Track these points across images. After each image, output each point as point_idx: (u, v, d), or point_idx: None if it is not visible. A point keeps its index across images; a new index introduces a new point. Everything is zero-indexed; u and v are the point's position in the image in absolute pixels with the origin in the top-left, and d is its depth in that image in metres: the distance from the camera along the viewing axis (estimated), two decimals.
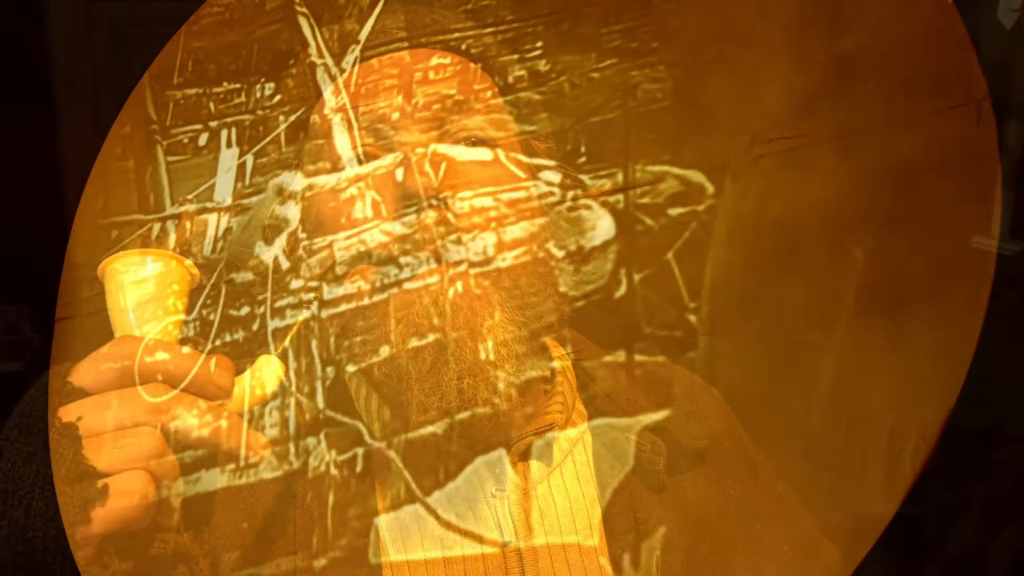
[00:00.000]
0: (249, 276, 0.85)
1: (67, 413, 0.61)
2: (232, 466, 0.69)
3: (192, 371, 0.64)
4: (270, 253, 0.84)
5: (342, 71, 0.83)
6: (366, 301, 0.78)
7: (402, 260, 0.79)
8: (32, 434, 0.60)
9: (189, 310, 0.74)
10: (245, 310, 0.81)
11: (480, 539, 0.83)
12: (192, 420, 0.63)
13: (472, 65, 0.87)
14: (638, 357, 0.97)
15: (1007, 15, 0.85)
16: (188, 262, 0.72)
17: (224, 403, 0.66)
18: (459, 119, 0.84)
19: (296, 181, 0.84)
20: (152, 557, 0.64)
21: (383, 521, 0.83)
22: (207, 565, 0.69)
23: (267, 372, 0.71)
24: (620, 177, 0.90)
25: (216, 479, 0.69)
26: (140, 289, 0.70)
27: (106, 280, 0.71)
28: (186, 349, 0.65)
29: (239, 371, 0.70)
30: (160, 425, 0.62)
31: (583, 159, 0.90)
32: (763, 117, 0.87)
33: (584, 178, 0.90)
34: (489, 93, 0.88)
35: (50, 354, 0.74)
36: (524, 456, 0.86)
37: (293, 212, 0.84)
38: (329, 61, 0.84)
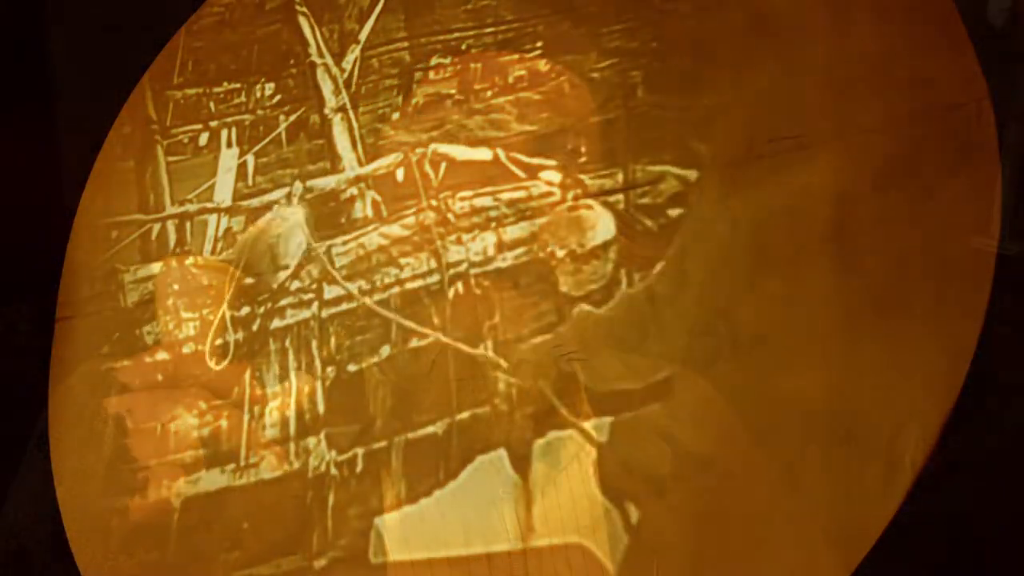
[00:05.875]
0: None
1: (114, 405, 0.63)
2: (232, 466, 0.69)
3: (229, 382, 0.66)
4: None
5: (342, 71, 0.83)
6: (367, 301, 0.78)
7: (402, 261, 0.79)
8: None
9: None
10: (246, 310, 0.81)
11: (484, 539, 0.83)
12: (223, 424, 0.64)
13: (472, 65, 0.87)
14: (643, 357, 0.96)
15: (997, 14, 0.85)
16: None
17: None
18: (459, 119, 0.84)
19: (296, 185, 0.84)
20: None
21: (386, 521, 0.83)
22: None
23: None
24: (620, 177, 0.90)
25: (218, 479, 0.69)
26: None
27: None
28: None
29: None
30: (197, 425, 0.63)
31: (583, 159, 0.90)
32: (762, 117, 0.87)
33: (584, 178, 0.90)
34: (489, 93, 0.88)
35: (50, 354, 0.74)
36: (528, 456, 0.87)
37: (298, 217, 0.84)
38: (329, 61, 0.84)
